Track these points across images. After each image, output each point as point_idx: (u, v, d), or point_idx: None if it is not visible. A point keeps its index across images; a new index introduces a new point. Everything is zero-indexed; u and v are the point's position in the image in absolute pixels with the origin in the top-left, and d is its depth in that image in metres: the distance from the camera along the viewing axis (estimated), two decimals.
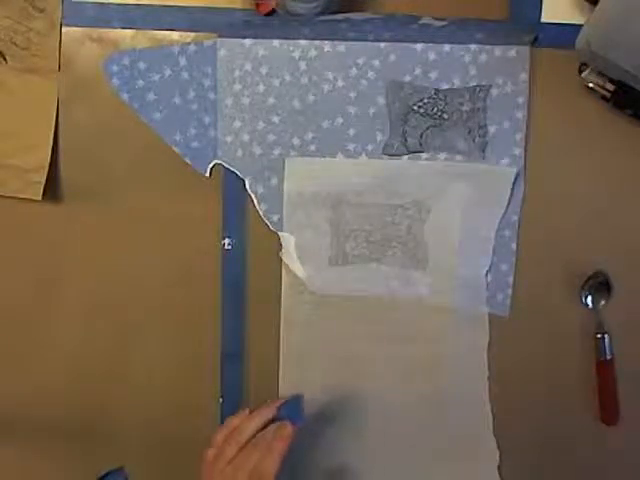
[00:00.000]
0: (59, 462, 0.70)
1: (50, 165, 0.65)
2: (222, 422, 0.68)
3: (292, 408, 0.60)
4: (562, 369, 0.68)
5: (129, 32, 0.65)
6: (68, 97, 0.65)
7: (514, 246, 0.67)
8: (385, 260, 0.67)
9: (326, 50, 0.64)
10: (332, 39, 0.64)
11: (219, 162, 0.66)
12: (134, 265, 0.68)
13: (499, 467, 0.69)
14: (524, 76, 0.65)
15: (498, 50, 0.64)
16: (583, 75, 0.63)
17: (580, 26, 0.58)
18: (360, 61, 0.65)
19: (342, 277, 0.67)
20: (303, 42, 0.64)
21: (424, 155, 0.66)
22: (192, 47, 0.64)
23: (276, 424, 0.59)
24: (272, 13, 0.63)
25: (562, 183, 0.67)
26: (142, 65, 0.64)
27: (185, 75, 0.64)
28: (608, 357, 0.67)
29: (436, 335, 0.67)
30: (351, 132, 0.65)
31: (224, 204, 0.67)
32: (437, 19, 0.63)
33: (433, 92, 0.65)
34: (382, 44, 0.64)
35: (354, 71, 0.65)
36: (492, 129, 0.65)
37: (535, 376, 0.67)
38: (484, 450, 0.68)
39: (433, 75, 0.65)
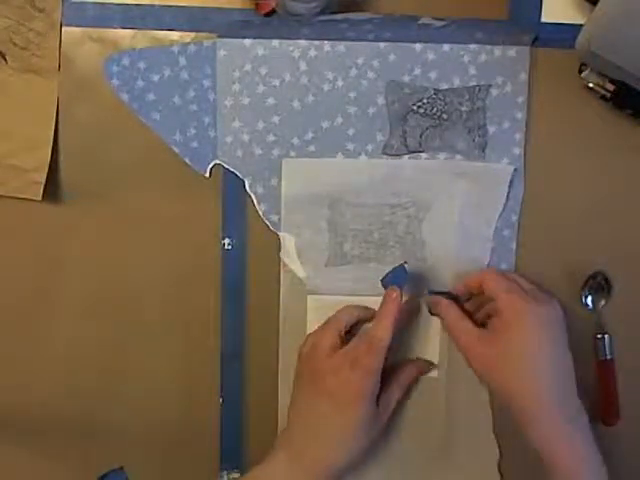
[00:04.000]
0: (59, 462, 0.70)
1: (50, 165, 0.64)
2: (222, 422, 0.69)
3: (395, 275, 0.61)
4: None
5: (129, 32, 0.65)
6: (68, 97, 0.65)
7: (514, 246, 0.67)
8: (384, 260, 0.67)
9: (326, 50, 0.64)
10: (332, 39, 0.64)
11: (219, 162, 0.66)
12: (134, 265, 0.68)
13: (499, 466, 0.69)
14: (524, 76, 0.65)
15: (498, 50, 0.64)
16: (583, 75, 0.63)
17: (580, 26, 0.58)
18: (360, 61, 0.65)
19: (341, 277, 0.67)
20: (303, 42, 0.64)
21: (424, 155, 0.66)
22: (192, 47, 0.64)
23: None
24: (272, 13, 0.63)
25: (562, 183, 0.67)
26: (142, 65, 0.64)
27: (185, 75, 0.64)
28: (608, 357, 0.67)
29: (435, 334, 0.67)
30: (351, 132, 0.65)
31: (224, 204, 0.67)
32: (437, 19, 0.63)
33: (433, 92, 0.65)
34: (382, 44, 0.64)
35: (354, 71, 0.65)
36: (492, 129, 0.65)
37: None
38: (484, 450, 0.68)
39: (433, 75, 0.65)
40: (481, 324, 0.63)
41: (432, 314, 0.66)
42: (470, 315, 0.63)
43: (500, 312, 0.59)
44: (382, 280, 0.62)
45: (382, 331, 0.59)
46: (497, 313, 0.59)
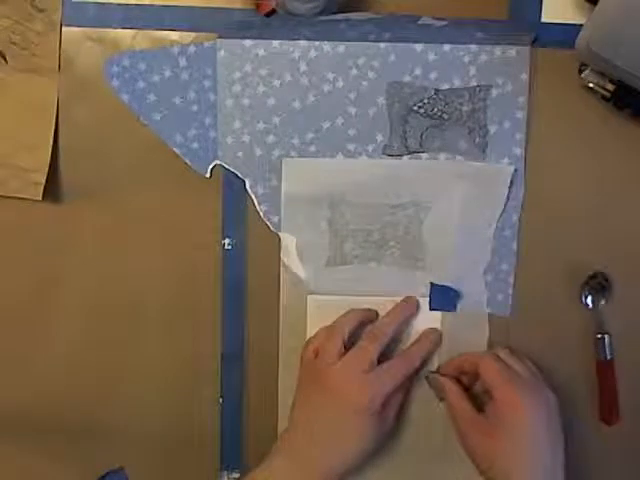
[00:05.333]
0: (59, 462, 0.70)
1: (50, 165, 0.64)
2: (222, 422, 0.69)
3: (446, 296, 0.65)
4: (562, 369, 0.68)
5: (129, 32, 0.65)
6: (68, 97, 0.65)
7: (515, 246, 0.67)
8: (384, 260, 0.67)
9: (326, 51, 0.64)
10: (332, 39, 0.64)
11: (219, 163, 0.66)
12: (134, 265, 0.68)
13: None
14: (524, 76, 0.65)
15: (498, 50, 0.64)
16: (583, 75, 0.63)
17: (580, 26, 0.58)
18: (360, 61, 0.64)
19: (341, 277, 0.67)
20: (303, 43, 0.64)
21: (424, 155, 0.66)
22: (192, 48, 0.64)
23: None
24: (272, 13, 0.63)
25: (562, 183, 0.67)
26: (142, 66, 0.64)
27: (185, 76, 0.64)
28: (608, 357, 0.67)
29: None
30: (351, 133, 0.65)
31: (224, 204, 0.67)
32: (437, 19, 0.63)
33: (433, 92, 0.65)
34: (382, 44, 0.64)
35: (354, 72, 0.65)
36: (492, 129, 0.65)
37: None
38: None
39: (433, 75, 0.65)
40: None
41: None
42: (468, 388, 0.65)
43: (497, 402, 0.59)
44: (430, 298, 0.65)
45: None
46: (494, 402, 0.59)
